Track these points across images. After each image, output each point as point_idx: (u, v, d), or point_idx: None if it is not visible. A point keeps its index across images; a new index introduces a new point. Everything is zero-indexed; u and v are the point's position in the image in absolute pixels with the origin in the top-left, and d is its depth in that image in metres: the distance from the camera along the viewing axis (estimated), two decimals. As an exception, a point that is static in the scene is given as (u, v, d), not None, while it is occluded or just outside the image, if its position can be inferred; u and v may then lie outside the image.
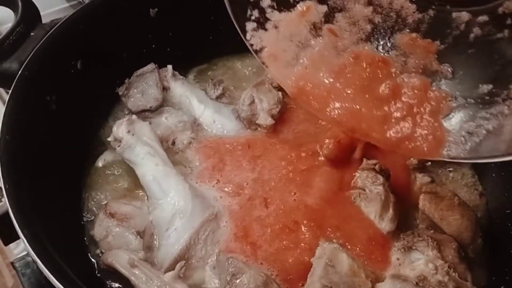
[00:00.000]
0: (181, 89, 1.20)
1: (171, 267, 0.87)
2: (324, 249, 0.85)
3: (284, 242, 0.91)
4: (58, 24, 1.02)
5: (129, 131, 1.03)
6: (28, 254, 0.80)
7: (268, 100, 1.13)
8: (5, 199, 0.78)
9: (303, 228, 0.93)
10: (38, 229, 0.78)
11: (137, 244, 0.93)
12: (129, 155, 1.02)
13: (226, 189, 1.01)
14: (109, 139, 1.08)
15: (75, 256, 0.91)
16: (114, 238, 0.93)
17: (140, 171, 1.01)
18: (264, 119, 1.11)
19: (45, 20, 1.08)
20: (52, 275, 0.71)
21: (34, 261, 0.74)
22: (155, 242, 0.93)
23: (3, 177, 0.80)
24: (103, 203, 1.01)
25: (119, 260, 0.87)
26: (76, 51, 1.06)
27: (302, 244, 0.91)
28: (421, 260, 0.87)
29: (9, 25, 1.01)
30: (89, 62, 1.08)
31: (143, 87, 1.16)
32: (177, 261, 0.88)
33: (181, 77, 1.23)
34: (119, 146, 1.03)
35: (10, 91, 0.91)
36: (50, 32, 1.00)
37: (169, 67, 1.22)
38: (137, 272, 0.85)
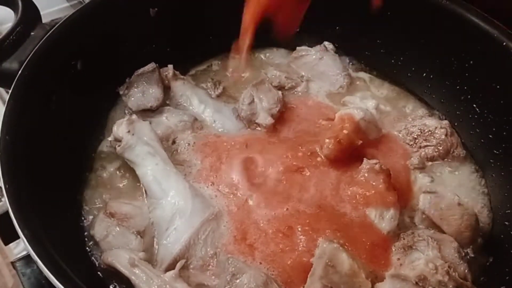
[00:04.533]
0: (181, 89, 1.20)
1: (170, 267, 0.87)
2: (324, 249, 0.85)
3: (280, 246, 0.91)
4: (58, 24, 1.02)
5: (129, 131, 1.03)
6: (28, 254, 0.80)
7: (268, 100, 1.13)
8: (5, 198, 0.78)
9: (297, 232, 0.92)
10: (38, 229, 0.78)
11: (137, 243, 0.93)
12: (129, 155, 1.02)
13: (224, 189, 1.00)
14: (109, 139, 1.08)
15: (75, 256, 0.91)
16: (114, 238, 0.93)
17: (140, 171, 1.01)
18: (264, 119, 1.11)
19: (45, 20, 1.08)
20: (52, 275, 0.71)
21: (34, 261, 0.73)
22: (155, 241, 0.93)
23: (3, 177, 0.80)
24: (103, 203, 1.01)
25: (120, 259, 0.87)
26: (76, 51, 1.06)
27: (300, 248, 0.90)
28: (421, 260, 0.87)
29: (9, 25, 1.01)
30: (89, 62, 1.08)
31: (144, 86, 1.16)
32: (177, 260, 0.88)
33: (182, 76, 1.23)
34: (119, 146, 1.03)
35: (10, 91, 0.91)
36: (50, 32, 1.00)
37: (170, 66, 1.22)
38: (137, 272, 0.85)
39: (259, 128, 1.13)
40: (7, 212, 0.78)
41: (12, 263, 0.90)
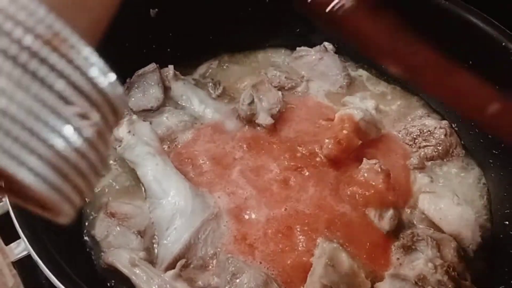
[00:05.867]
0: (182, 89, 1.20)
1: (170, 266, 0.87)
2: (323, 248, 0.85)
3: (280, 246, 0.91)
4: (58, 24, 1.02)
5: (129, 131, 1.03)
6: (28, 254, 0.80)
7: (268, 100, 1.13)
8: (5, 199, 0.78)
9: (296, 232, 0.93)
10: (38, 229, 0.79)
11: (138, 243, 0.93)
12: (129, 155, 1.02)
13: (224, 189, 1.00)
14: (109, 139, 1.08)
15: (76, 256, 0.91)
16: (114, 238, 0.93)
17: (140, 171, 1.01)
18: (264, 119, 1.11)
19: (45, 20, 1.08)
20: (52, 275, 0.71)
21: (34, 261, 0.74)
22: (155, 241, 0.93)
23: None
24: (103, 203, 1.01)
25: (120, 259, 0.87)
26: (77, 51, 1.06)
27: (299, 247, 0.91)
28: (420, 260, 0.87)
29: (9, 25, 1.01)
30: (89, 62, 1.08)
31: (144, 86, 1.16)
32: (177, 260, 0.88)
33: (182, 77, 1.23)
34: (119, 146, 1.03)
35: (10, 91, 0.91)
36: (50, 32, 1.00)
37: (170, 67, 1.22)
38: (138, 271, 0.85)
39: (259, 128, 1.13)
40: (8, 212, 0.78)
41: (13, 263, 0.90)
